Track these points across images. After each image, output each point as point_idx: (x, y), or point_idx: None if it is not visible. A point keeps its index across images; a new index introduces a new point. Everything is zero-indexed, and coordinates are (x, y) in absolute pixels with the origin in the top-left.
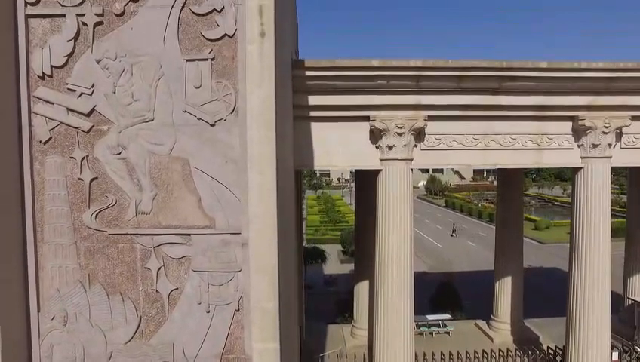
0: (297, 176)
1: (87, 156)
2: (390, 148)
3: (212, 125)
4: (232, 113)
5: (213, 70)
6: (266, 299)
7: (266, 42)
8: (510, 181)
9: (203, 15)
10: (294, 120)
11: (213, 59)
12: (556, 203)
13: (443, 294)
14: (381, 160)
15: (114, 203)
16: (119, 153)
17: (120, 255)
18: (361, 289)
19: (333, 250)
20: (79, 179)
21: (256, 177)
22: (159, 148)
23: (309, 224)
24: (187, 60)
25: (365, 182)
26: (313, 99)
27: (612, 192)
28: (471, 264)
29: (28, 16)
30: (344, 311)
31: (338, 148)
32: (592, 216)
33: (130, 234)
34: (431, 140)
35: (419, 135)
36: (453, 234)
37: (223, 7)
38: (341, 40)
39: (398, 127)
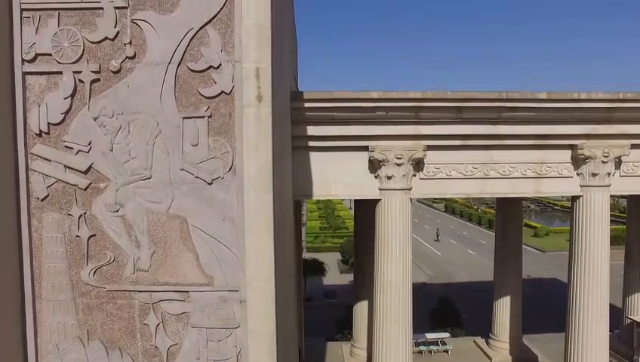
0: (297, 204)
1: (85, 213)
2: (389, 178)
3: (209, 183)
4: (229, 171)
5: (210, 128)
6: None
7: (262, 106)
8: (508, 211)
9: (200, 72)
10: (293, 150)
11: (210, 116)
12: (556, 207)
13: (442, 310)
14: (380, 189)
15: (112, 260)
16: (117, 211)
17: (119, 311)
18: (361, 308)
19: (332, 259)
20: (77, 236)
21: (253, 241)
22: (157, 206)
23: (308, 231)
24: (184, 118)
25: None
26: (312, 130)
27: (611, 197)
28: (470, 274)
29: (25, 74)
30: (344, 328)
31: (337, 178)
32: (591, 245)
33: (129, 290)
34: (430, 169)
35: (418, 164)
36: (437, 239)
37: (220, 64)
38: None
39: (397, 158)
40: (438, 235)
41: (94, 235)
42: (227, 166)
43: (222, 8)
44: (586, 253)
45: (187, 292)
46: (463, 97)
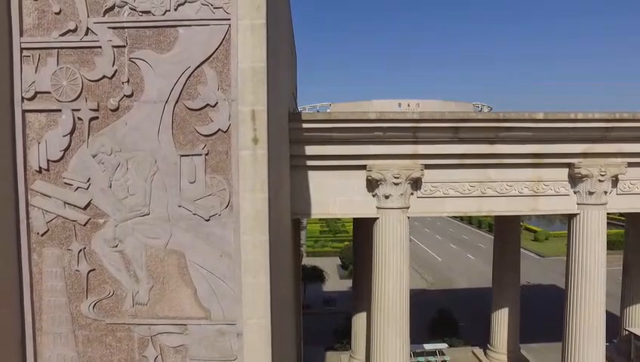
0: (296, 221)
1: (85, 248)
2: (387, 197)
3: (207, 220)
4: (226, 208)
5: (207, 165)
6: None
7: (259, 148)
8: (507, 225)
9: (197, 110)
10: (292, 169)
11: (207, 154)
12: None
13: (440, 320)
14: (378, 208)
15: (111, 293)
16: (116, 246)
17: (118, 343)
18: (359, 319)
19: (332, 264)
20: (77, 270)
21: (250, 280)
22: (155, 241)
23: (308, 234)
24: (181, 155)
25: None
26: (310, 150)
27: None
28: (470, 280)
29: (25, 111)
30: (343, 338)
31: (335, 197)
32: (587, 262)
33: (128, 323)
34: (427, 188)
35: (415, 183)
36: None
37: (217, 103)
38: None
39: (395, 177)
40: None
41: (94, 270)
42: (224, 203)
43: (218, 47)
44: (582, 271)
45: (185, 325)
46: (460, 118)
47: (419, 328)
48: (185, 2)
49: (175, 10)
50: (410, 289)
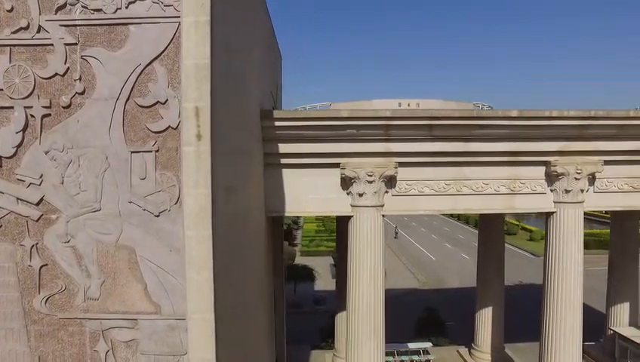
0: (276, 219)
1: (37, 244)
2: (360, 195)
3: (157, 216)
4: (176, 204)
5: (157, 162)
6: None
7: (202, 145)
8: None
9: (147, 107)
10: (266, 167)
11: (157, 150)
12: None
13: (427, 319)
14: (352, 206)
15: (63, 288)
16: (68, 241)
17: (70, 338)
18: (341, 318)
19: (325, 263)
20: (29, 265)
21: (194, 276)
22: (106, 237)
23: (304, 234)
24: (132, 152)
25: None
26: (283, 147)
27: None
28: (463, 279)
29: None
30: (329, 336)
31: (310, 195)
32: (563, 261)
33: (80, 318)
34: (402, 186)
35: (390, 181)
36: (396, 237)
37: (167, 100)
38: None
39: (369, 175)
40: (396, 233)
41: (46, 265)
42: (174, 199)
43: (169, 45)
44: (559, 269)
45: (136, 320)
46: (433, 115)
47: (406, 327)
48: (136, 0)
49: (126, 8)
50: (402, 289)
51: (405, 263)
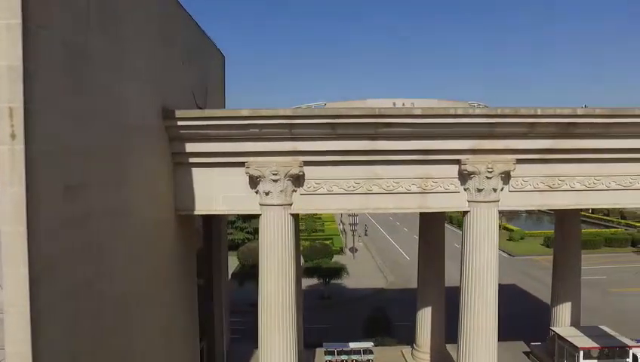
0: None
1: None
2: (267, 193)
3: None
4: None
5: None
6: None
7: (16, 144)
8: (430, 219)
9: None
10: (175, 166)
11: None
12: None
13: (374, 319)
14: (260, 205)
15: None
16: None
17: None
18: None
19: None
20: None
21: (9, 270)
22: None
23: None
24: None
25: None
26: (191, 147)
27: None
28: None
29: None
30: None
31: (219, 194)
32: (478, 261)
33: None
34: (311, 185)
35: (298, 180)
36: (366, 234)
37: None
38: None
39: (273, 174)
40: (366, 231)
41: None
42: None
43: None
44: (474, 269)
45: None
46: (334, 114)
47: (354, 327)
48: None
49: None
50: (368, 289)
51: (379, 264)
